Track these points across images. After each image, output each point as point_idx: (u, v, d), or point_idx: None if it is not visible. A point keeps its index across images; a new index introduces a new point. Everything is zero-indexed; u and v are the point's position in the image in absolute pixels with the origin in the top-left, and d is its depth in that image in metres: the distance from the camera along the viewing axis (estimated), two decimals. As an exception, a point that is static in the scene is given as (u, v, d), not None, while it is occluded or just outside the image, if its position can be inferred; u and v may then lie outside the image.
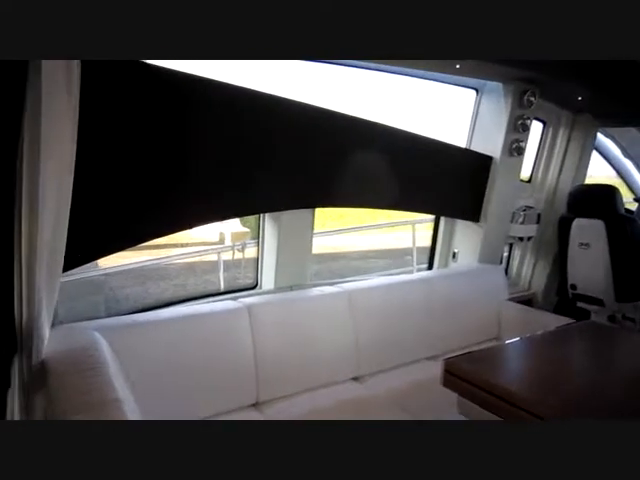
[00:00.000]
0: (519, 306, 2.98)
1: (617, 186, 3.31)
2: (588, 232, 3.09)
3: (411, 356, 2.57)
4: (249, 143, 2.15)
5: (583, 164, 3.57)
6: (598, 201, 3.08)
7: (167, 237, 2.20)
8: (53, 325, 1.62)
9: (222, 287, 3.44)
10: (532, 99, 2.88)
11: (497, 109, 2.96)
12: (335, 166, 2.45)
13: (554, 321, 2.60)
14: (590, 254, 3.10)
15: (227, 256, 3.76)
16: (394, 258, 5.76)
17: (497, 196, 3.08)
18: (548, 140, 3.55)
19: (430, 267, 3.37)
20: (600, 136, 3.94)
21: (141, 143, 1.87)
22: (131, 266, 3.15)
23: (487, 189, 3.08)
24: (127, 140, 1.83)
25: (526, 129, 2.96)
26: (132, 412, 1.21)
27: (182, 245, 4.23)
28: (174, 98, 1.90)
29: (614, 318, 3.29)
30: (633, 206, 4.01)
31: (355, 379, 2.41)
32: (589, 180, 3.79)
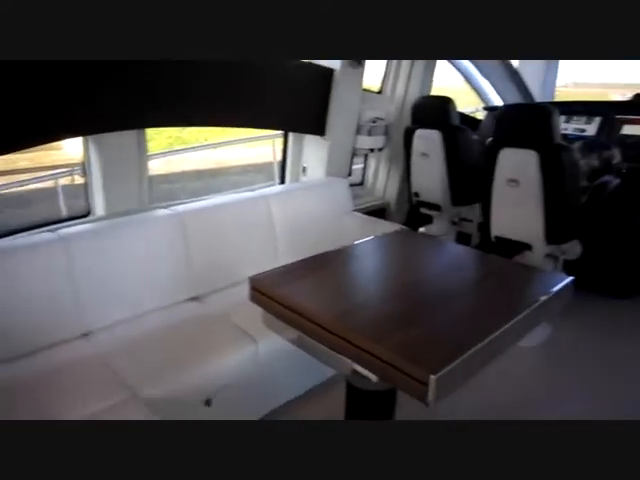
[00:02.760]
0: (362, 216, 3.14)
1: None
2: (427, 142, 3.25)
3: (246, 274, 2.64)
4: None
5: (428, 75, 3.66)
6: (435, 112, 3.21)
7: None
8: None
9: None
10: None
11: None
12: (174, 84, 2.36)
13: (390, 229, 2.77)
14: (429, 163, 3.28)
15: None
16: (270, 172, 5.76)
17: (340, 109, 3.10)
18: (396, 50, 3.56)
19: (283, 182, 3.40)
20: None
21: None
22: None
23: (330, 102, 3.08)
24: None
25: (364, 39, 2.93)
26: None
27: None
28: None
29: (454, 221, 3.59)
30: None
31: (194, 299, 2.46)
32: (443, 91, 3.91)
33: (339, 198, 3.12)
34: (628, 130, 3.54)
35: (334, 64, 2.97)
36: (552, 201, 2.54)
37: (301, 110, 3.05)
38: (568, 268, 2.99)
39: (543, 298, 1.65)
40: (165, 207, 2.53)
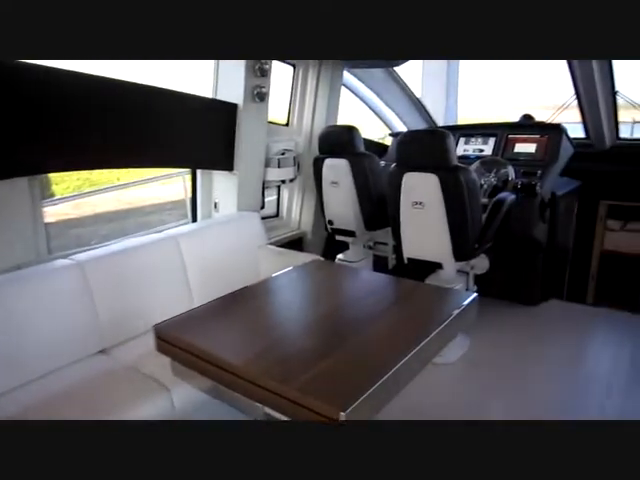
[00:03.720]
0: (276, 249, 3.11)
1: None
2: (335, 171, 3.31)
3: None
4: None
5: (333, 105, 3.76)
6: (341, 141, 3.29)
7: None
8: None
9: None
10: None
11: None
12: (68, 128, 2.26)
13: (305, 259, 2.77)
14: (339, 191, 3.33)
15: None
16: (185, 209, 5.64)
17: (247, 143, 3.09)
18: (299, 83, 3.64)
19: (195, 219, 3.32)
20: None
21: None
22: None
23: (236, 137, 3.06)
24: None
25: (265, 74, 2.97)
26: None
27: None
28: None
29: (369, 246, 3.67)
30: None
31: (103, 352, 2.30)
32: (351, 121, 4.03)
33: (252, 232, 3.09)
34: (519, 148, 3.81)
35: (238, 99, 2.97)
36: (455, 220, 2.65)
37: (207, 146, 3.02)
38: (480, 281, 3.13)
39: (450, 317, 1.70)
40: (65, 257, 2.37)
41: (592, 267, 4.33)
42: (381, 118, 4.67)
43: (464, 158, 3.95)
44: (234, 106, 2.98)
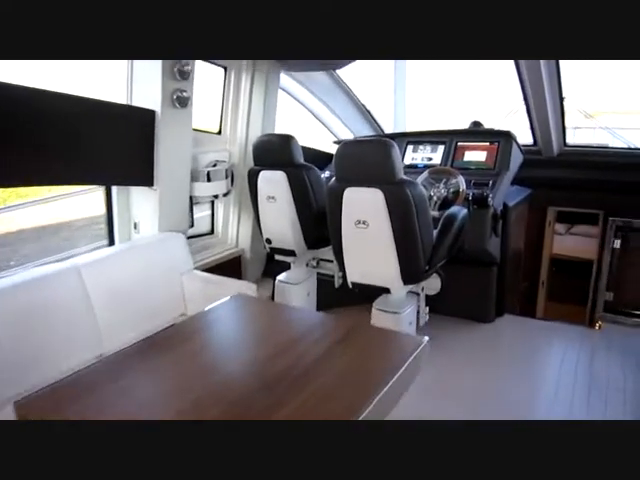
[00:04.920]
0: (203, 276, 2.74)
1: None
2: (272, 184, 2.97)
3: (68, 363, 2.11)
4: None
5: (270, 111, 3.43)
6: (277, 151, 2.96)
7: None
8: None
9: None
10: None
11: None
12: None
13: (235, 288, 2.43)
14: (277, 207, 3.00)
15: None
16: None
17: (167, 154, 2.72)
18: (232, 87, 3.29)
19: (112, 242, 2.90)
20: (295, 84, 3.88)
21: None
22: None
23: (155, 148, 2.68)
24: None
25: (185, 76, 2.60)
26: None
27: None
28: None
29: (313, 265, 3.35)
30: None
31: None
32: (293, 129, 3.71)
33: (175, 256, 2.70)
34: (469, 156, 3.61)
35: (155, 105, 2.59)
36: (403, 240, 2.38)
37: (120, 159, 2.61)
38: (431, 300, 2.88)
39: (401, 369, 1.41)
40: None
41: (542, 273, 4.39)
42: (325, 125, 4.38)
43: (412, 167, 3.71)
44: (151, 113, 2.60)
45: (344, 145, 2.49)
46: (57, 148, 2.30)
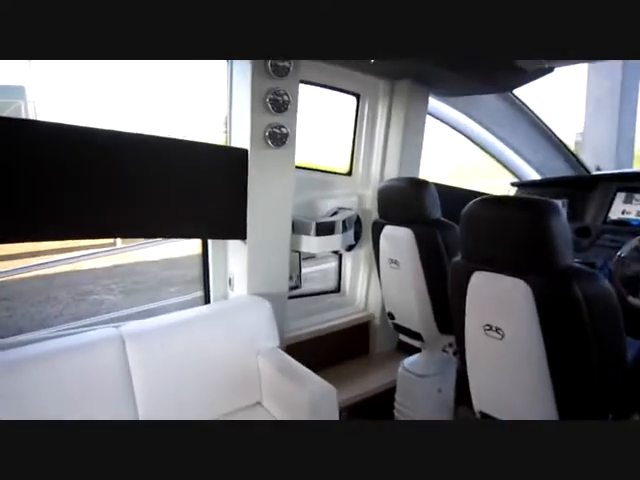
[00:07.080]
0: (282, 357, 2.12)
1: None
2: (395, 245, 2.25)
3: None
4: None
5: (409, 145, 2.69)
6: (404, 202, 2.22)
7: None
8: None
9: None
10: (285, 63, 2.00)
11: (245, 83, 2.08)
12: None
13: (314, 387, 1.80)
14: (401, 274, 2.26)
15: None
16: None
17: (260, 201, 2.22)
18: (365, 118, 2.68)
19: (207, 299, 2.51)
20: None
21: None
22: None
23: (248, 194, 2.21)
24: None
25: (282, 108, 2.07)
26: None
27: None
28: None
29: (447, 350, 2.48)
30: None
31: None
32: (461, 170, 2.95)
33: (252, 330, 2.13)
34: None
35: (245, 144, 2.12)
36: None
37: (219, 207, 2.21)
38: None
39: None
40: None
41: None
42: (501, 162, 3.43)
43: (620, 224, 2.57)
44: (244, 152, 2.14)
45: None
46: (148, 198, 2.01)
